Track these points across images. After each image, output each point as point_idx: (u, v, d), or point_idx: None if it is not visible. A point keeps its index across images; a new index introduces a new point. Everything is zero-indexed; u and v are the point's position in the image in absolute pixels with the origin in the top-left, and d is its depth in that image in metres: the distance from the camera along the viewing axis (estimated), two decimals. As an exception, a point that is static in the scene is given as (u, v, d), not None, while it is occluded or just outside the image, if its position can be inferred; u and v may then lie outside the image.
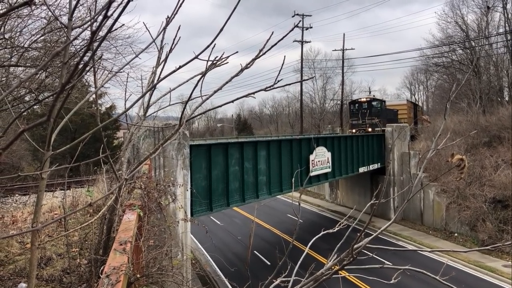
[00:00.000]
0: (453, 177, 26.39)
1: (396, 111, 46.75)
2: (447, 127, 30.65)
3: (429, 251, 2.92)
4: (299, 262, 2.64)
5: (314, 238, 2.79)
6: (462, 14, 45.68)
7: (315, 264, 2.72)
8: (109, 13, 2.17)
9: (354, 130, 37.92)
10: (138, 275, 3.58)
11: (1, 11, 6.08)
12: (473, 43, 44.92)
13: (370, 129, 36.80)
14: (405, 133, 34.89)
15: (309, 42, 54.03)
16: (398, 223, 31.30)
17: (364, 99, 40.49)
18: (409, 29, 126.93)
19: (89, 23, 3.25)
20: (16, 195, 17.14)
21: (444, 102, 52.77)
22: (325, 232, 2.84)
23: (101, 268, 3.09)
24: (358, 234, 2.35)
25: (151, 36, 3.41)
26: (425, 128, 41.59)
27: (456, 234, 28.44)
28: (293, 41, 49.92)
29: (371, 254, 2.79)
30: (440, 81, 61.81)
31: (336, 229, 2.83)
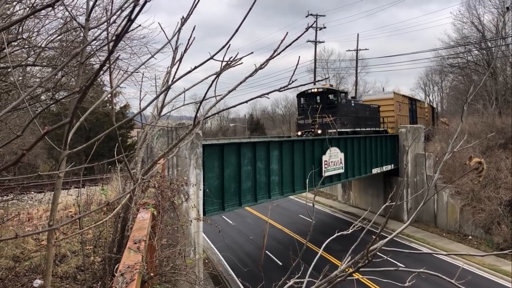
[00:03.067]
0: (471, 180, 26.08)
1: (377, 108, 36.93)
2: (462, 128, 30.21)
3: (445, 254, 2.89)
4: (312, 264, 2.63)
5: (328, 240, 2.77)
6: (478, 15, 45.07)
7: (329, 266, 2.71)
8: (124, 14, 2.18)
9: (299, 133, 28.75)
10: (152, 274, 3.60)
11: (23, 13, 6.18)
12: (489, 44, 44.28)
13: (320, 131, 27.16)
14: (420, 134, 34.54)
15: (323, 42, 53.87)
16: (411, 225, 31.00)
17: (316, 90, 29.23)
18: (426, 29, 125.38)
19: (105, 23, 3.29)
20: (32, 192, 17.38)
21: (459, 103, 52.08)
22: (339, 233, 2.83)
23: (116, 266, 3.11)
24: (373, 237, 2.33)
25: (167, 37, 3.43)
26: (439, 129, 40.95)
27: (470, 237, 28.08)
28: (307, 41, 49.86)
29: (385, 257, 2.77)
30: (455, 82, 60.98)
31: (350, 231, 2.82)
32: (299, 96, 31.15)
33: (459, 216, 29.12)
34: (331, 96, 29.42)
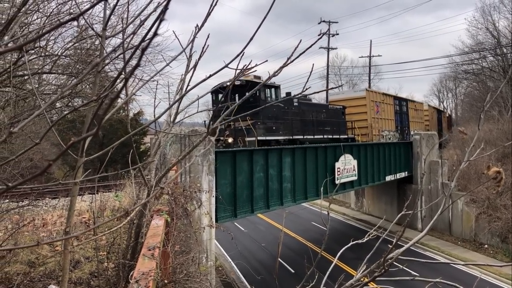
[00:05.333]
0: (486, 188, 25.70)
1: (340, 110, 29.93)
2: (478, 136, 29.85)
3: (463, 264, 2.84)
4: (328, 272, 2.61)
5: (343, 249, 2.75)
6: (493, 20, 44.70)
7: (344, 275, 2.68)
8: (137, 22, 2.21)
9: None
10: (166, 281, 3.61)
11: (40, 21, 6.29)
12: (504, 50, 43.82)
13: (230, 140, 19.74)
14: (434, 141, 34.17)
15: (335, 48, 53.76)
16: (426, 233, 30.57)
17: (237, 82, 19.03)
18: (440, 36, 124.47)
19: (121, 32, 3.34)
20: (46, 198, 17.58)
21: (473, 110, 51.47)
22: (354, 242, 2.81)
23: (130, 273, 3.13)
24: (389, 246, 2.31)
25: (181, 46, 3.45)
26: (453, 136, 40.32)
27: (486, 246, 27.62)
28: (319, 48, 49.80)
29: (401, 266, 2.74)
30: (469, 89, 60.42)
31: (366, 239, 2.79)
32: (214, 92, 20.44)
33: (474, 224, 28.68)
34: (260, 94, 21.56)
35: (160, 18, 0.86)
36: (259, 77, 20.66)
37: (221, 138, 19.44)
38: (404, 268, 3.07)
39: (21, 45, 1.06)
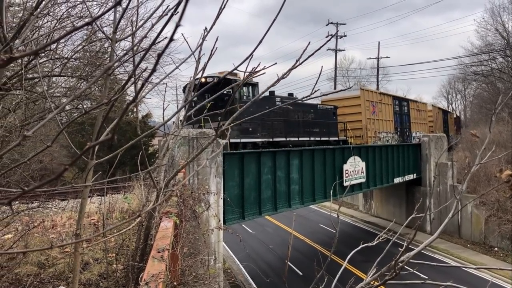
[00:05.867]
0: (496, 190, 25.45)
1: (331, 110, 27.66)
2: (486, 136, 29.63)
3: (475, 268, 2.82)
4: (337, 276, 2.60)
5: (353, 252, 2.74)
6: (503, 21, 44.40)
7: (354, 278, 2.67)
8: (147, 24, 2.22)
9: None
10: (175, 283, 3.62)
11: (51, 24, 6.35)
12: (514, 51, 43.47)
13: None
14: (443, 143, 33.92)
15: (343, 50, 53.68)
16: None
17: (204, 80, 16.96)
18: (449, 37, 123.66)
19: (131, 35, 3.37)
20: (56, 200, 17.68)
21: (483, 111, 51.04)
22: (364, 245, 2.79)
23: (140, 275, 3.14)
24: (400, 249, 2.29)
25: (190, 49, 3.47)
26: (463, 138, 39.91)
27: (496, 249, 27.36)
28: (327, 50, 49.75)
29: (411, 270, 2.72)
30: (478, 90, 59.99)
31: (375, 242, 2.78)
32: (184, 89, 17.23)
33: (484, 227, 28.43)
34: (227, 90, 18.49)
35: (177, 24, 0.86)
36: (235, 74, 17.42)
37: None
38: (415, 271, 3.05)
39: (36, 50, 1.07)
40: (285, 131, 22.29)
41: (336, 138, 27.23)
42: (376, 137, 30.59)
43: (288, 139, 22.37)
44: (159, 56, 0.95)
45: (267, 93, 20.48)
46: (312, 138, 24.44)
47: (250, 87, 20.64)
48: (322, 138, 25.46)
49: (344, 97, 29.44)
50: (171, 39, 0.94)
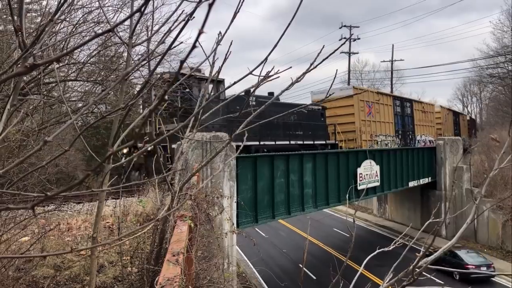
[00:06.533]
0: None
1: (317, 111, 25.14)
2: (503, 139, 29.23)
3: (494, 276, 2.77)
4: (353, 281, 2.58)
5: (369, 257, 2.72)
6: (519, 23, 43.75)
7: (370, 284, 2.65)
8: (163, 29, 2.24)
9: (125, 150, 13.04)
10: (190, 287, 3.63)
11: (67, 30, 6.45)
12: (531, 53, 42.84)
13: (125, 151, 12.95)
14: (458, 147, 33.49)
15: (357, 53, 53.44)
16: (450, 240, 29.97)
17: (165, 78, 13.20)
18: (464, 39, 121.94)
19: (146, 41, 3.41)
20: (71, 203, 17.86)
21: (499, 114, 50.30)
22: (380, 250, 2.77)
23: (156, 279, 3.16)
24: (418, 254, 2.27)
25: (205, 54, 3.49)
26: (478, 141, 39.23)
27: (513, 254, 26.93)
28: (340, 53, 49.55)
29: (428, 275, 2.69)
30: (495, 93, 59.17)
31: (392, 247, 2.75)
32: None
33: (501, 231, 28.00)
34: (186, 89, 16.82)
35: (199, 31, 0.87)
36: (199, 70, 16.38)
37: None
38: (431, 277, 3.01)
39: (59, 56, 1.09)
40: (260, 134, 19.96)
41: (323, 142, 25.08)
42: (372, 141, 28.29)
43: (262, 143, 20.28)
44: (182, 62, 0.95)
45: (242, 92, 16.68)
46: (293, 142, 22.26)
47: (217, 83, 17.21)
48: (305, 142, 23.37)
49: (335, 97, 25.46)
50: (194, 46, 0.94)
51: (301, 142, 22.97)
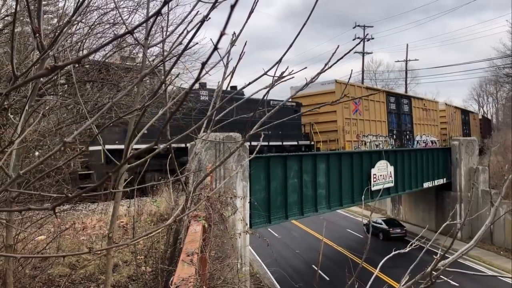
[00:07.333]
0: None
1: (291, 108, 22.17)
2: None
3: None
4: (369, 283, 2.57)
5: (385, 259, 2.70)
6: (537, 21, 43.00)
7: (387, 286, 2.63)
8: (179, 29, 2.25)
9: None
10: (205, 287, 3.64)
11: (83, 31, 6.52)
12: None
13: (37, 154, 7.82)
14: (473, 147, 33.03)
15: (371, 53, 53.12)
16: (465, 242, 29.59)
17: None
18: (480, 38, 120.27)
19: (161, 42, 3.43)
20: (86, 202, 18.04)
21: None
22: (396, 252, 2.75)
23: (171, 279, 3.18)
24: (435, 256, 2.24)
25: (219, 55, 3.49)
26: (495, 142, 38.62)
27: (531, 257, 26.48)
28: (354, 53, 49.33)
29: (445, 278, 2.66)
30: (511, 93, 58.28)
31: (408, 249, 2.73)
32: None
33: (517, 234, 27.57)
34: None
35: (221, 33, 0.87)
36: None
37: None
38: (446, 279, 2.98)
39: (80, 58, 1.10)
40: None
41: (294, 143, 22.53)
42: (359, 141, 25.71)
43: None
44: (203, 65, 0.96)
45: (197, 85, 14.64)
46: (254, 143, 17.19)
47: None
48: (271, 143, 20.72)
49: (315, 93, 23.18)
50: (216, 48, 0.95)
51: (265, 143, 20.22)
